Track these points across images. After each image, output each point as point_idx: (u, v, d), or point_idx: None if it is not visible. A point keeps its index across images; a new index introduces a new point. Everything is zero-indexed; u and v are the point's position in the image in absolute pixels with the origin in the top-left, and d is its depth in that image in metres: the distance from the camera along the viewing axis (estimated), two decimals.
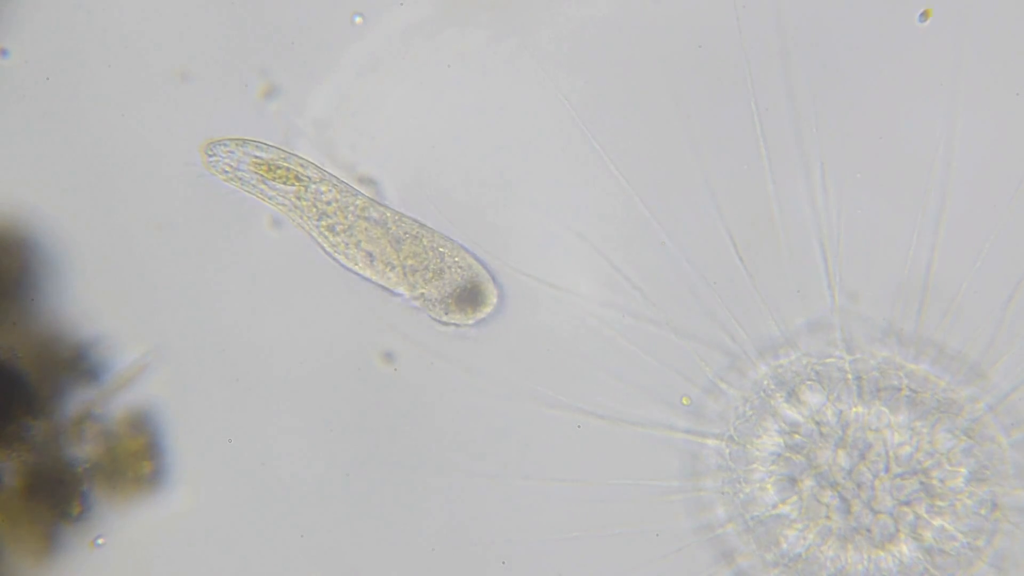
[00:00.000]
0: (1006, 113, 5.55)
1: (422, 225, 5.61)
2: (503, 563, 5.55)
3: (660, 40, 5.61)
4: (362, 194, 5.61)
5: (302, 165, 5.59)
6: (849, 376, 5.55)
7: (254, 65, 5.63)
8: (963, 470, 5.49)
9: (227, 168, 5.57)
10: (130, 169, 5.65)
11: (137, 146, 5.64)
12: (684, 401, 5.54)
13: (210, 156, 5.59)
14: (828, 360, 5.57)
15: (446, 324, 5.56)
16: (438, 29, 5.63)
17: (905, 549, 5.47)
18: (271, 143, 5.62)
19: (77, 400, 5.58)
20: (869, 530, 5.48)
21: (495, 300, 5.56)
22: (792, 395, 5.58)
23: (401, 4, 5.63)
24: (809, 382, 5.57)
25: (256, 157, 5.54)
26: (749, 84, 5.54)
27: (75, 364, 5.59)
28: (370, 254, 5.56)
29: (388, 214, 5.60)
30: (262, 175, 5.48)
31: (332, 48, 5.64)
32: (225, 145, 5.58)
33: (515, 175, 5.63)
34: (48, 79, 5.63)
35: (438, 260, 5.52)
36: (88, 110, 5.64)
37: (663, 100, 5.59)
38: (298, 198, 5.53)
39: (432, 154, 5.63)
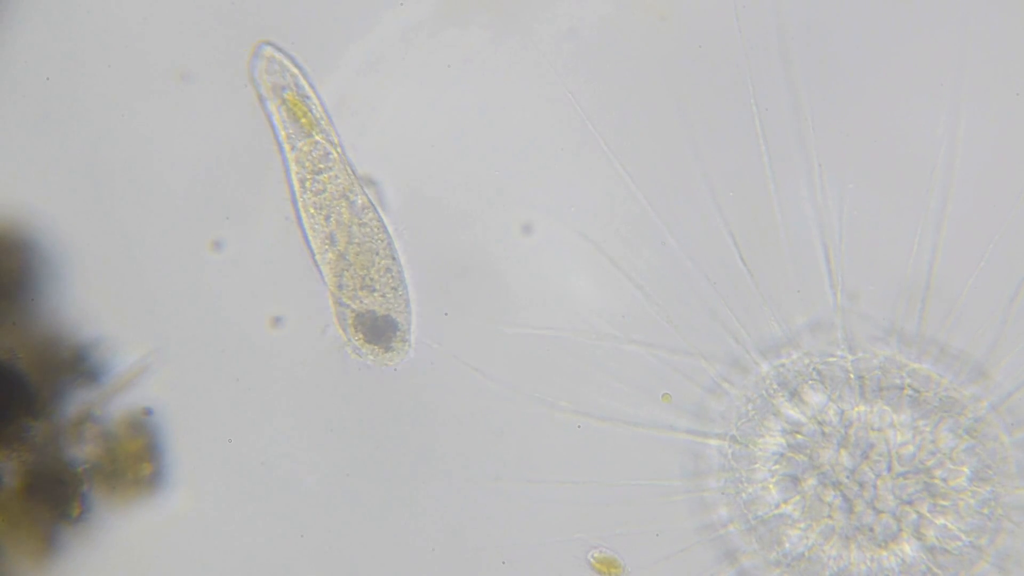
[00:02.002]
0: (1008, 112, 5.55)
1: (390, 248, 5.60)
2: (503, 563, 5.54)
3: (660, 40, 5.61)
4: (360, 181, 5.60)
5: (326, 122, 5.57)
6: (851, 375, 5.54)
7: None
8: (966, 469, 5.47)
9: (269, 73, 5.54)
10: (130, 169, 5.65)
11: (137, 146, 5.65)
12: (665, 399, 5.53)
13: (264, 56, 5.56)
14: (830, 359, 5.55)
15: (345, 344, 5.56)
16: (438, 29, 5.64)
17: (908, 548, 5.46)
18: (315, 87, 5.60)
19: (77, 401, 5.58)
20: (872, 529, 5.46)
21: (397, 359, 5.55)
22: (794, 395, 5.57)
23: (401, 4, 5.64)
24: (811, 381, 5.56)
25: (296, 86, 5.51)
26: (749, 84, 5.54)
27: (75, 365, 5.59)
28: (332, 235, 5.55)
29: (370, 215, 5.59)
30: (287, 101, 5.47)
31: (332, 48, 5.65)
32: (279, 55, 5.55)
33: (515, 174, 5.63)
34: (48, 79, 5.64)
35: (375, 283, 5.51)
36: (88, 110, 5.64)
37: (663, 100, 5.59)
38: (300, 139, 5.52)
39: (432, 153, 5.63)
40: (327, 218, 5.54)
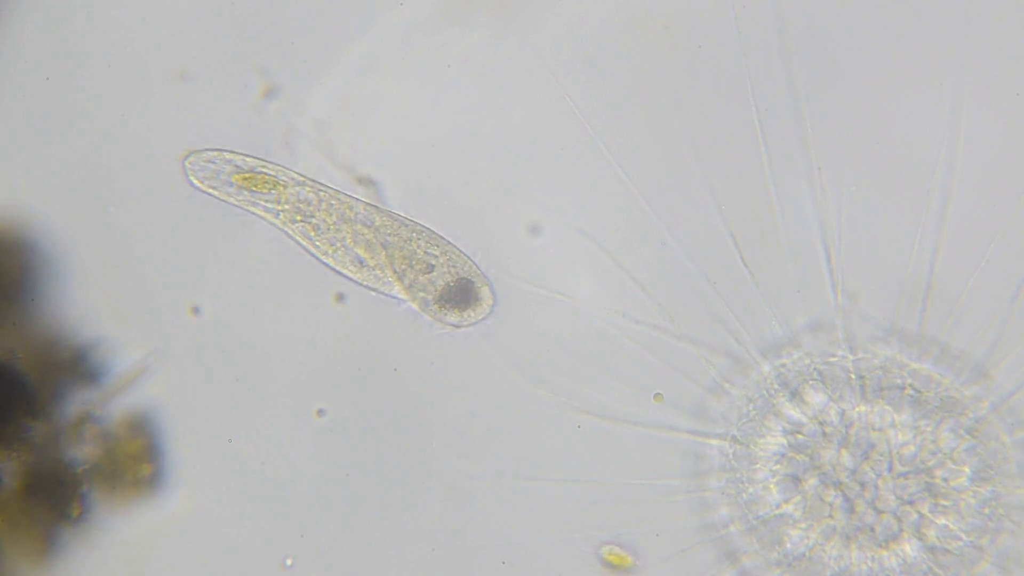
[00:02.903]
0: (1008, 112, 5.54)
1: (412, 226, 5.60)
2: (503, 563, 5.53)
3: (660, 40, 5.61)
4: (347, 194, 5.60)
5: (281, 171, 5.59)
6: (852, 375, 5.53)
7: (254, 65, 5.63)
8: (967, 469, 5.46)
9: (207, 177, 5.58)
10: (130, 169, 5.65)
11: (137, 146, 5.65)
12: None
13: (189, 167, 5.59)
14: (831, 359, 5.55)
15: (444, 325, 5.55)
16: (438, 29, 5.64)
17: (909, 548, 5.45)
18: (248, 153, 5.62)
19: (77, 402, 5.57)
20: (873, 529, 5.45)
21: (490, 300, 5.55)
22: (795, 395, 5.56)
23: (401, 4, 5.64)
24: (812, 382, 5.55)
25: (235, 166, 5.55)
26: (748, 83, 5.54)
27: (75, 366, 5.58)
28: (359, 257, 5.56)
29: (377, 216, 5.59)
30: (241, 185, 5.49)
31: (332, 48, 5.65)
32: (204, 154, 5.58)
33: (515, 174, 5.63)
34: (48, 79, 5.64)
35: (429, 260, 5.52)
36: (88, 110, 5.65)
37: (663, 100, 5.59)
38: (277, 203, 5.54)
39: (432, 154, 5.63)
40: (346, 247, 5.55)
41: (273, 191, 5.51)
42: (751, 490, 5.54)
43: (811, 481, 5.50)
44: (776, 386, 5.57)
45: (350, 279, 5.61)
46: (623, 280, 5.57)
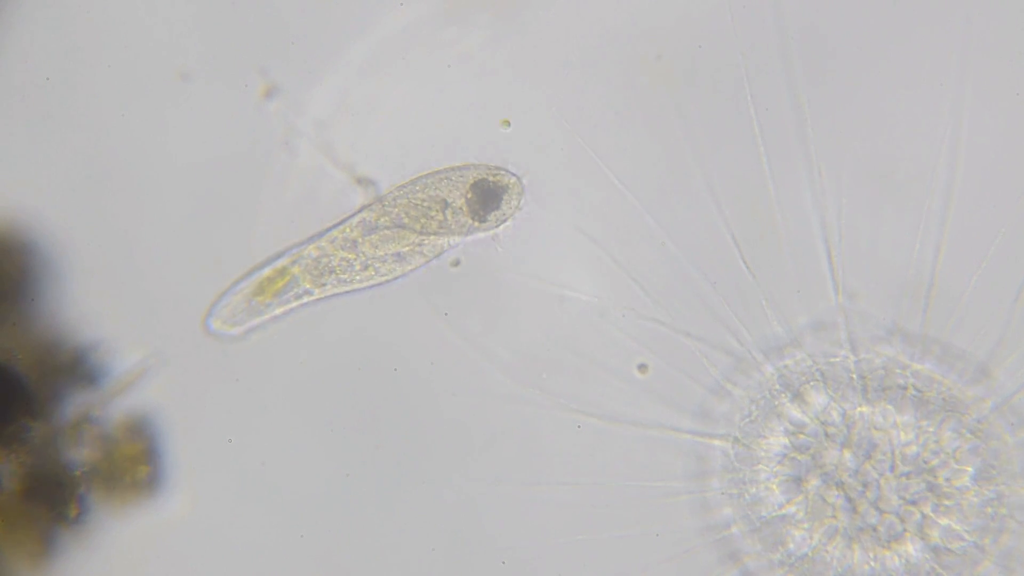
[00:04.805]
0: (1009, 112, 5.55)
1: (401, 192, 5.59)
2: (503, 563, 5.51)
3: (659, 39, 5.62)
4: (335, 225, 5.59)
5: (274, 260, 5.59)
6: (854, 375, 5.52)
7: (254, 65, 5.64)
8: (969, 469, 5.45)
9: (234, 319, 5.58)
10: (130, 170, 5.65)
11: (137, 146, 5.65)
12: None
13: (214, 326, 5.59)
14: (833, 360, 5.54)
15: (496, 227, 5.51)
16: (438, 28, 5.65)
17: (911, 548, 5.43)
18: (241, 273, 5.62)
19: (76, 403, 5.56)
20: (875, 529, 5.43)
21: (512, 182, 5.52)
22: (797, 395, 5.55)
23: (401, 4, 5.65)
24: (814, 382, 5.54)
25: (245, 293, 5.55)
26: (747, 83, 5.54)
27: (74, 367, 5.57)
28: (397, 254, 5.55)
29: (371, 214, 5.59)
30: (265, 299, 5.51)
31: (332, 48, 5.66)
32: (216, 306, 5.59)
33: (515, 173, 5.62)
34: (48, 79, 5.64)
35: (439, 200, 5.50)
36: (88, 110, 5.65)
37: (663, 99, 5.60)
38: (299, 284, 5.55)
39: (432, 153, 5.63)
40: (382, 258, 5.54)
41: (289, 280, 5.52)
42: (753, 491, 5.53)
43: (813, 481, 5.48)
44: (778, 386, 5.56)
45: (407, 276, 5.60)
46: (623, 280, 5.56)
